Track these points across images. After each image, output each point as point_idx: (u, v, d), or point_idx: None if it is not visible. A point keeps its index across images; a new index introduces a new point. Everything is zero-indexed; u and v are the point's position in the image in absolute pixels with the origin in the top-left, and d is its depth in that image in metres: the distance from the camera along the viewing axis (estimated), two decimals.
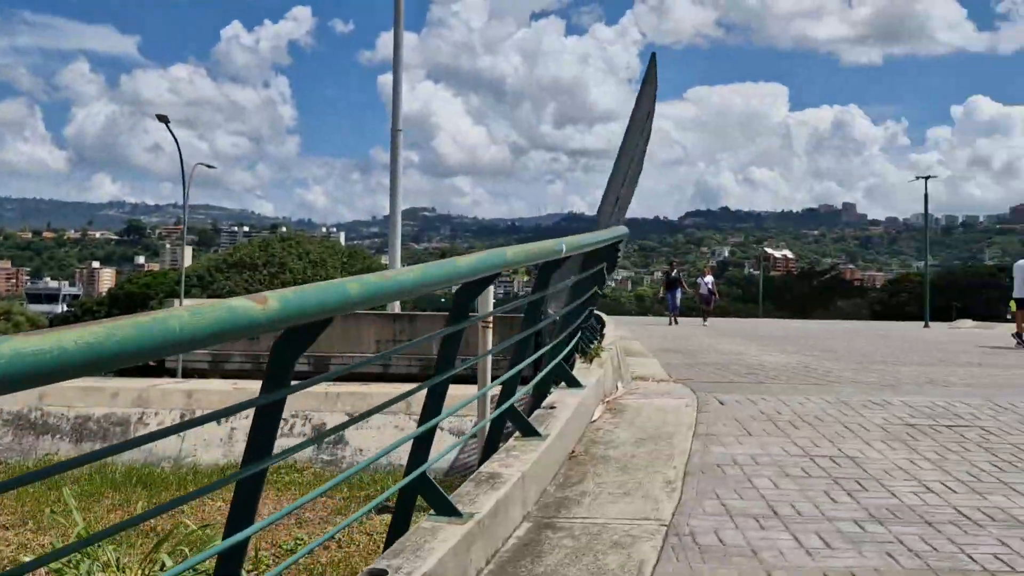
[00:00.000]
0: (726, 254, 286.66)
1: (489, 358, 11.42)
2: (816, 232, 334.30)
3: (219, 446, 15.15)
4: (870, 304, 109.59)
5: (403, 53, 30.09)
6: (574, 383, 6.49)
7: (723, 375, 9.88)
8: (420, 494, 4.09)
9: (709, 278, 30.81)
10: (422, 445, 4.10)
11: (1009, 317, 45.98)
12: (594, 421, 6.50)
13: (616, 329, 18.80)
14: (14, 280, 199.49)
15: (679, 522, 4.34)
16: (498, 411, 5.24)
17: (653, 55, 8.64)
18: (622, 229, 6.92)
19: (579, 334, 7.74)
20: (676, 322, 28.57)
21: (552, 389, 6.56)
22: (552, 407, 5.94)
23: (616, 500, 4.73)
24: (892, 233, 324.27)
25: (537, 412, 5.83)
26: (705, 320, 29.27)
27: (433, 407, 4.16)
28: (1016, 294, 19.24)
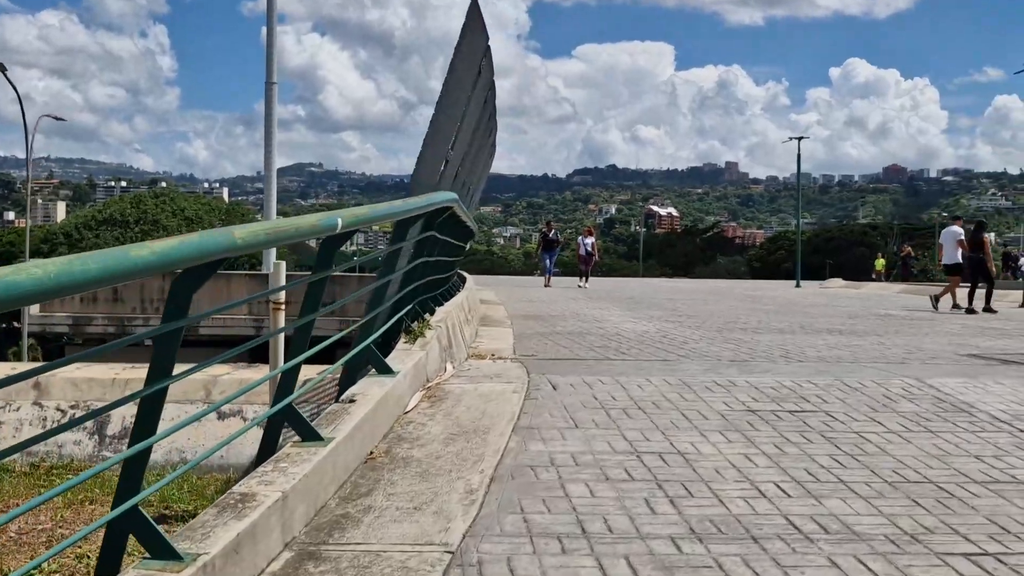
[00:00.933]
0: (613, 212, 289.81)
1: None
2: (700, 190, 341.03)
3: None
4: (749, 261, 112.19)
5: (277, 2, 28.57)
6: (385, 369, 5.75)
7: (572, 349, 9.29)
8: (131, 532, 3.30)
9: (590, 239, 29.74)
10: (134, 467, 3.30)
11: (874, 277, 47.29)
12: (407, 412, 5.78)
13: (480, 293, 18.07)
14: None
15: (468, 547, 3.66)
16: (271, 411, 4.45)
17: (473, 1, 7.79)
18: (439, 196, 6.16)
19: (405, 310, 7.00)
20: (550, 284, 27.84)
21: (365, 376, 5.82)
22: (352, 400, 5.18)
23: (403, 518, 4.02)
24: (772, 191, 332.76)
25: (331, 408, 5.07)
26: (584, 281, 28.24)
27: (148, 417, 3.35)
28: (945, 261, 19.12)
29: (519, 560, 3.52)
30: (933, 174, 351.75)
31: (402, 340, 6.75)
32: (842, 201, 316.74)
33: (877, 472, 4.79)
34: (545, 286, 27.06)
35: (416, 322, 7.12)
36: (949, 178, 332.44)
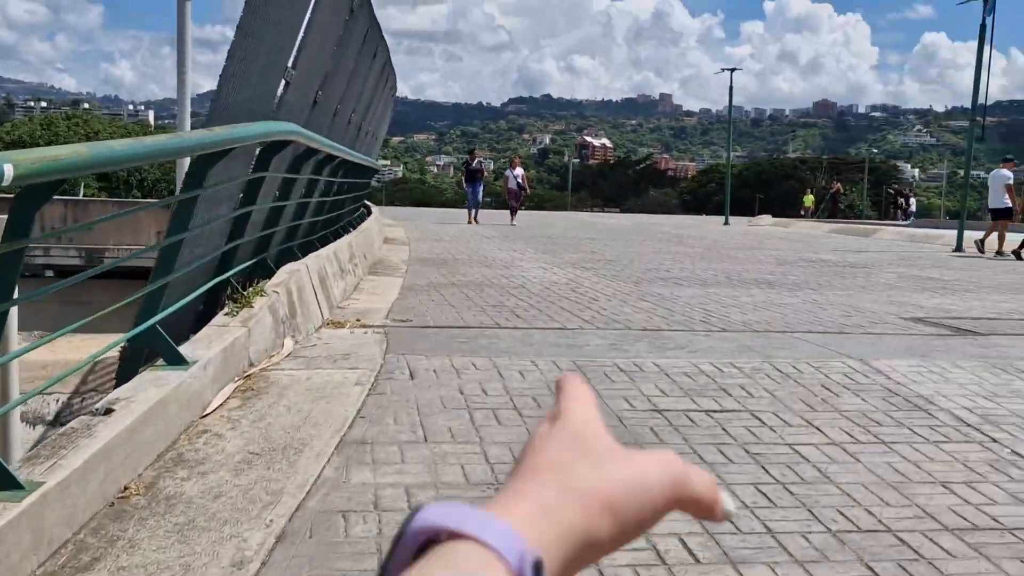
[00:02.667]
0: (547, 142, 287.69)
1: None
2: (634, 122, 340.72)
3: None
4: (681, 194, 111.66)
5: None
6: (175, 359, 4.30)
7: (459, 310, 7.90)
8: None
9: (519, 170, 26.28)
10: None
11: (802, 213, 46.63)
12: (207, 415, 4.35)
13: (391, 230, 16.45)
14: None
15: None
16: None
17: None
18: (258, 127, 4.65)
19: (230, 273, 5.52)
20: (476, 220, 24.93)
21: (151, 368, 4.37)
22: (107, 410, 3.75)
23: None
24: (705, 124, 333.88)
25: (66, 428, 3.63)
26: (513, 218, 25.22)
27: None
28: (992, 204, 18.37)
29: None
30: (862, 110, 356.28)
31: (222, 312, 5.29)
32: (773, 135, 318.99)
33: (818, 514, 3.53)
34: (469, 222, 24.63)
35: (252, 286, 5.66)
36: (877, 114, 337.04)
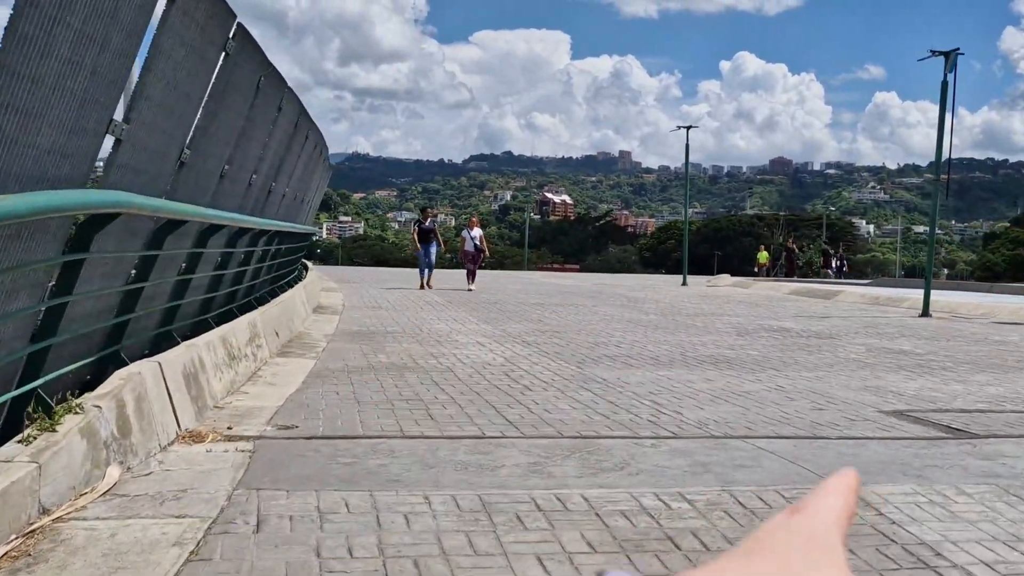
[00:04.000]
0: (508, 198, 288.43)
1: None
2: (594, 178, 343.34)
3: None
4: (640, 251, 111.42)
5: None
6: None
7: (364, 409, 6.63)
8: None
9: (476, 231, 23.90)
10: None
11: (756, 270, 45.96)
12: None
13: (327, 296, 14.98)
14: None
15: None
16: None
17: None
18: (71, 198, 3.45)
19: (31, 386, 4.25)
20: (429, 285, 22.41)
21: None
22: None
23: None
24: (664, 181, 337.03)
25: None
26: (471, 283, 22.89)
27: None
28: None
29: None
30: (817, 167, 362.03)
31: (15, 439, 4.01)
32: (730, 191, 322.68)
33: None
34: (420, 287, 22.22)
35: (69, 399, 4.38)
36: (832, 171, 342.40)
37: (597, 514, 4.15)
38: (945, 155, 19.13)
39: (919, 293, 19.91)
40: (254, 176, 9.29)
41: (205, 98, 6.06)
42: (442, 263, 45.85)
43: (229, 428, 5.64)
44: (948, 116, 19.03)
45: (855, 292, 25.18)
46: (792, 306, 20.70)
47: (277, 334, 9.97)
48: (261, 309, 9.79)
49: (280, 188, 11.96)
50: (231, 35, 6.24)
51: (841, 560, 0.45)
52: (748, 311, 18.60)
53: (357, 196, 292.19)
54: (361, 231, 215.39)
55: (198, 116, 6.05)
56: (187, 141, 5.87)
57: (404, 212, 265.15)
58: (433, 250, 22.60)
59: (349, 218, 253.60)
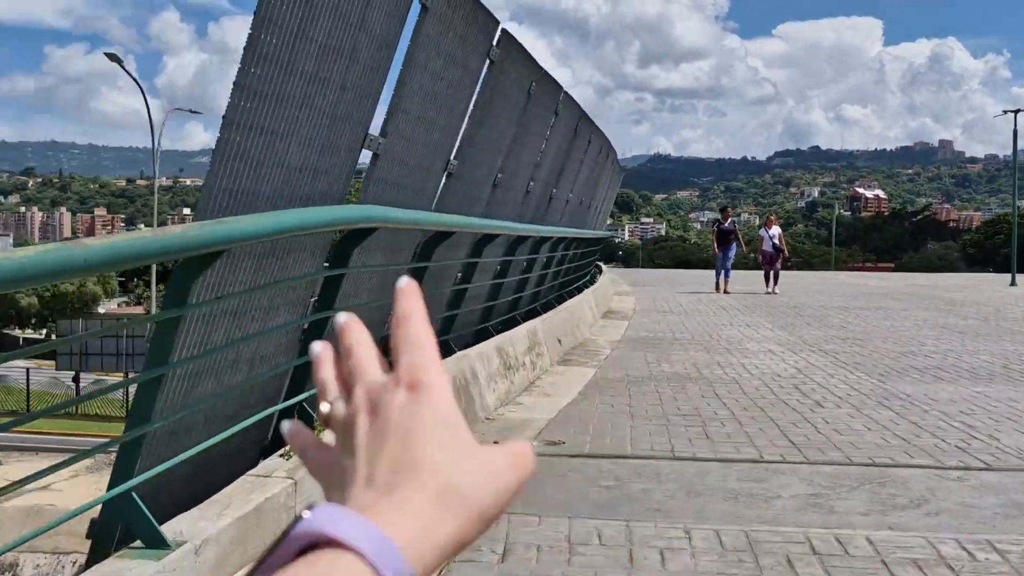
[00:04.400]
0: (816, 195, 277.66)
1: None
2: (910, 171, 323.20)
3: None
4: (963, 247, 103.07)
5: None
6: (155, 540, 3.11)
7: (637, 424, 6.34)
8: None
9: (775, 229, 21.68)
10: None
11: None
12: None
13: (621, 301, 14.79)
14: (110, 227, 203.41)
15: None
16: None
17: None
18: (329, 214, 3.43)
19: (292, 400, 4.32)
20: (726, 290, 20.77)
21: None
22: None
23: None
24: (991, 171, 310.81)
25: None
26: (770, 286, 21.03)
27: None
28: None
29: None
30: None
31: (277, 454, 4.09)
32: None
33: None
34: (717, 291, 20.79)
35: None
36: None
37: (883, 562, 3.61)
38: None
39: None
40: (531, 183, 9.27)
41: (471, 108, 6.03)
42: (745, 263, 44.30)
43: (495, 443, 5.55)
44: None
45: None
46: None
47: (560, 341, 9.91)
48: (543, 317, 9.76)
49: (562, 194, 11.95)
50: (495, 42, 6.20)
51: (465, 425, 0.53)
52: None
53: (659, 197, 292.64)
54: (663, 232, 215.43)
55: (464, 126, 6.02)
56: (453, 152, 5.86)
57: (706, 212, 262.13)
58: (732, 252, 21.22)
59: (651, 219, 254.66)
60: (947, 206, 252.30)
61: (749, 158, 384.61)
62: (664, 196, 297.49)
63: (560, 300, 14.00)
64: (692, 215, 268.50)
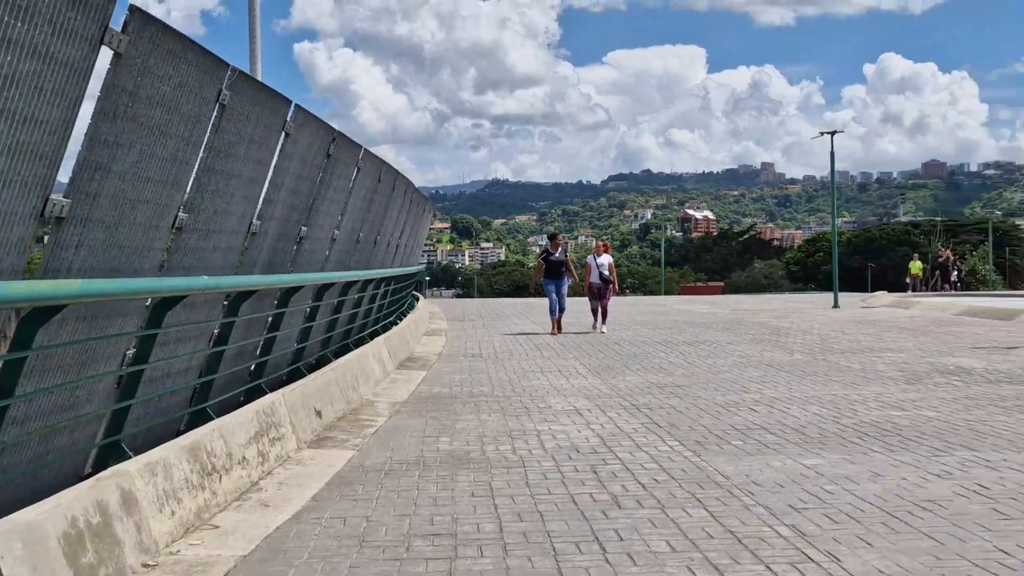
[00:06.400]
0: (649, 217, 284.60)
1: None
2: (736, 192, 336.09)
3: None
4: (787, 264, 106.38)
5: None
6: None
7: (365, 549, 4.58)
8: None
9: (605, 257, 18.99)
10: None
11: (908, 281, 41.51)
12: None
13: (430, 343, 12.45)
14: None
15: None
16: None
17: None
18: None
19: None
20: (559, 328, 18.42)
21: None
22: None
23: None
24: (810, 191, 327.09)
25: None
26: (600, 323, 18.56)
27: None
28: None
29: None
30: (974, 168, 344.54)
31: None
32: (881, 199, 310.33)
33: None
34: (552, 332, 18.30)
35: None
36: (991, 171, 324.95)
37: None
38: None
39: None
40: (336, 232, 8.39)
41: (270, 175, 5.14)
42: (578, 291, 43.51)
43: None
44: None
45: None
46: (966, 333, 17.63)
47: (319, 413, 8.06)
48: (293, 386, 7.87)
49: (370, 237, 10.85)
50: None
51: None
52: (914, 342, 15.75)
53: (498, 221, 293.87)
54: (502, 256, 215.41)
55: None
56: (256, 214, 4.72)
57: (544, 236, 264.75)
58: (565, 286, 18.75)
59: (491, 244, 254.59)
60: (771, 225, 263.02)
61: (584, 182, 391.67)
62: (503, 220, 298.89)
63: (359, 344, 12.29)
64: (531, 239, 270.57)
